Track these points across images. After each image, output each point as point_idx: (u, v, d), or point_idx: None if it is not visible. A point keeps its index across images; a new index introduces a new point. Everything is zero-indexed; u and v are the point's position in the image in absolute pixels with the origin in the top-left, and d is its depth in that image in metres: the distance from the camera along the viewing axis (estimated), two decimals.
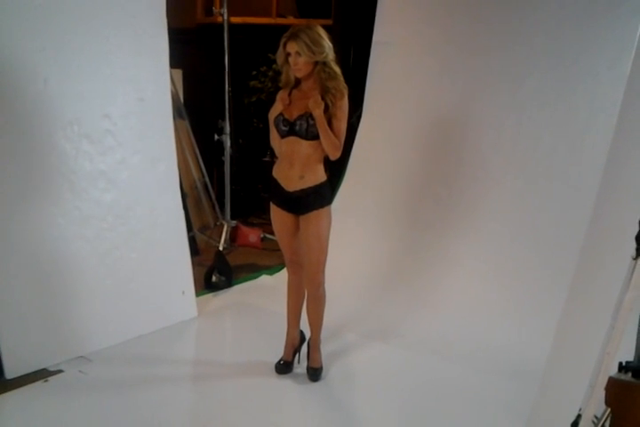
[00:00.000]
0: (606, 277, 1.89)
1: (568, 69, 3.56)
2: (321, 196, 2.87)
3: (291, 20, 5.58)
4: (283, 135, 2.82)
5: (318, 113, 2.69)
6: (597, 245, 2.16)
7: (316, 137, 2.75)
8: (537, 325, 3.28)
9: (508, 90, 3.78)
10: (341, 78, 2.78)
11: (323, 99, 2.72)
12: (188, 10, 5.46)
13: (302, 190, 2.83)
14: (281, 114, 2.81)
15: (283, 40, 2.72)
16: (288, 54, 2.71)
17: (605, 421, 1.58)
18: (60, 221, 3.11)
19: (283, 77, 2.87)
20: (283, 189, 2.87)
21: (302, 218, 2.89)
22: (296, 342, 3.18)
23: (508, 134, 3.79)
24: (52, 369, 3.06)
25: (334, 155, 2.80)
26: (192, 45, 5.26)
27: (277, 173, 2.91)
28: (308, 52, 2.66)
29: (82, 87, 3.12)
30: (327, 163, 2.90)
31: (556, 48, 3.59)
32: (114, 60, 3.24)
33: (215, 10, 4.60)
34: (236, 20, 4.95)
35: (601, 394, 1.51)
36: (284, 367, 3.13)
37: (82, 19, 3.08)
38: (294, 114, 2.78)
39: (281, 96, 2.85)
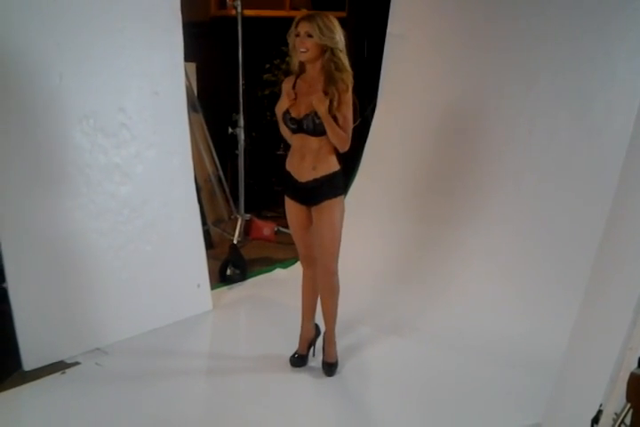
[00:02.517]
0: (626, 271, 1.87)
1: (584, 62, 3.51)
2: (334, 185, 2.86)
3: (304, 12, 5.52)
4: (292, 131, 2.83)
5: (323, 111, 2.68)
6: (617, 239, 2.14)
7: (324, 133, 2.75)
8: (552, 319, 3.26)
9: (523, 83, 3.74)
10: (349, 70, 2.75)
11: (326, 93, 2.70)
12: (202, 3, 5.44)
13: (315, 180, 2.83)
14: (288, 111, 2.80)
15: (296, 20, 2.71)
16: (297, 35, 2.69)
17: (625, 416, 1.57)
18: (75, 214, 3.12)
19: (290, 63, 2.86)
20: (296, 180, 2.87)
21: (315, 209, 2.88)
22: (311, 336, 3.18)
23: (522, 130, 3.75)
24: (69, 361, 3.08)
25: (343, 148, 2.80)
26: (205, 39, 5.24)
27: (290, 165, 2.91)
28: (318, 33, 2.64)
29: (97, 81, 3.12)
30: (340, 156, 2.90)
31: (571, 41, 3.54)
32: (128, 54, 3.24)
33: (229, 2, 4.58)
34: (249, 12, 4.92)
35: (622, 390, 1.49)
36: (298, 361, 3.13)
37: (96, 13, 3.08)
38: (301, 111, 2.77)
39: (286, 90, 2.83)
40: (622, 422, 1.56)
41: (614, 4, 3.38)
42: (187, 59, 3.61)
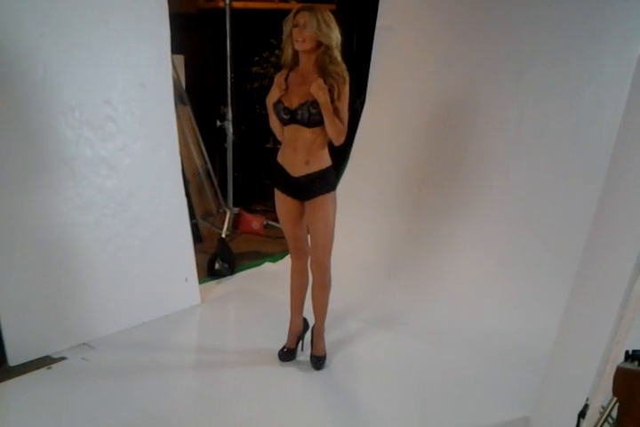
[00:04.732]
0: (614, 265, 1.87)
1: (573, 55, 3.51)
2: (327, 181, 2.84)
3: (293, 4, 5.52)
4: (284, 123, 2.79)
5: (323, 98, 2.65)
6: (605, 233, 2.14)
7: (318, 124, 2.72)
8: (542, 313, 3.26)
9: (513, 77, 3.73)
10: (343, 65, 2.73)
11: (324, 83, 2.68)
12: None
13: (308, 175, 2.81)
14: (280, 101, 2.76)
15: (295, 9, 2.69)
16: (295, 25, 2.67)
17: (612, 410, 1.57)
18: (61, 207, 3.09)
19: (282, 55, 2.82)
20: (288, 174, 2.85)
21: (308, 203, 2.87)
22: (299, 330, 3.17)
23: (512, 122, 3.75)
24: (55, 356, 3.06)
25: (339, 140, 2.77)
26: (194, 31, 5.21)
27: (282, 159, 2.88)
28: (315, 27, 2.62)
29: (82, 73, 3.08)
30: (330, 149, 2.88)
31: (561, 33, 3.53)
32: (114, 46, 3.20)
33: None
34: (238, 4, 4.89)
35: (609, 384, 1.49)
36: (287, 355, 3.13)
37: (82, 3, 3.04)
38: (294, 101, 2.74)
39: (278, 81, 2.79)
40: (609, 415, 1.55)
41: None
42: (175, 51, 3.58)
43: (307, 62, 2.74)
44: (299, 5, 2.76)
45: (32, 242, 3.00)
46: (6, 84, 2.83)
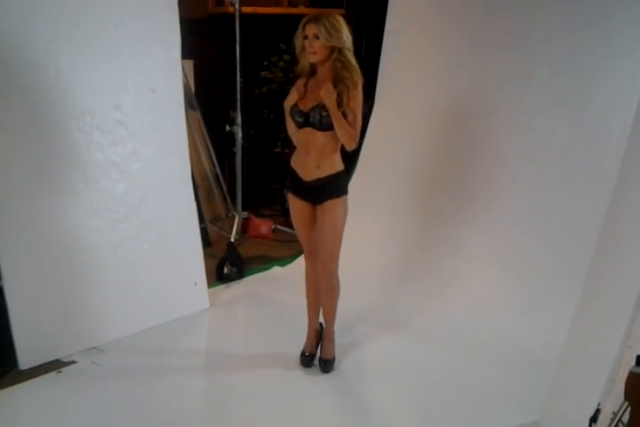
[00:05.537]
0: (626, 269, 1.86)
1: (582, 58, 3.50)
2: (337, 185, 2.86)
3: (302, 9, 5.53)
4: (299, 126, 2.82)
5: (331, 103, 2.68)
6: (615, 238, 2.13)
7: (330, 128, 2.74)
8: (551, 317, 3.25)
9: (522, 81, 3.73)
10: (357, 69, 2.75)
11: (335, 87, 2.70)
12: (200, 0, 5.42)
13: (319, 179, 2.82)
14: (296, 104, 2.80)
15: (302, 22, 2.71)
16: (305, 37, 2.70)
17: (623, 415, 1.56)
18: (72, 211, 3.11)
19: (299, 65, 2.86)
20: (300, 178, 2.87)
21: (318, 207, 2.88)
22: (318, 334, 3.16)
23: (521, 126, 3.75)
24: (65, 360, 3.07)
25: (350, 145, 2.78)
26: (203, 36, 5.23)
27: (295, 162, 2.90)
28: (325, 34, 2.64)
29: (93, 77, 3.10)
30: (342, 154, 2.88)
31: (570, 37, 3.53)
32: (125, 51, 3.22)
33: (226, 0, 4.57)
34: (247, 9, 4.91)
35: (621, 388, 1.48)
36: (308, 360, 3.10)
37: (93, 8, 3.06)
38: (309, 104, 2.77)
39: (297, 85, 2.84)
40: (620, 420, 1.55)
41: (613, 0, 3.37)
42: (184, 56, 3.59)
43: (322, 70, 2.78)
44: (307, 10, 2.77)
45: (43, 246, 3.01)
46: (19, 88, 2.86)
